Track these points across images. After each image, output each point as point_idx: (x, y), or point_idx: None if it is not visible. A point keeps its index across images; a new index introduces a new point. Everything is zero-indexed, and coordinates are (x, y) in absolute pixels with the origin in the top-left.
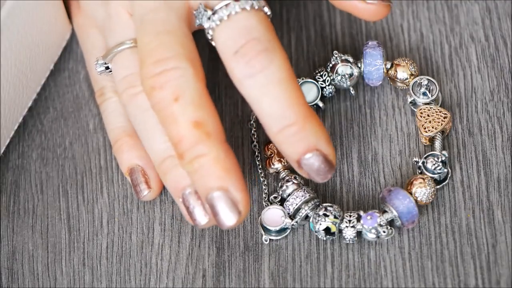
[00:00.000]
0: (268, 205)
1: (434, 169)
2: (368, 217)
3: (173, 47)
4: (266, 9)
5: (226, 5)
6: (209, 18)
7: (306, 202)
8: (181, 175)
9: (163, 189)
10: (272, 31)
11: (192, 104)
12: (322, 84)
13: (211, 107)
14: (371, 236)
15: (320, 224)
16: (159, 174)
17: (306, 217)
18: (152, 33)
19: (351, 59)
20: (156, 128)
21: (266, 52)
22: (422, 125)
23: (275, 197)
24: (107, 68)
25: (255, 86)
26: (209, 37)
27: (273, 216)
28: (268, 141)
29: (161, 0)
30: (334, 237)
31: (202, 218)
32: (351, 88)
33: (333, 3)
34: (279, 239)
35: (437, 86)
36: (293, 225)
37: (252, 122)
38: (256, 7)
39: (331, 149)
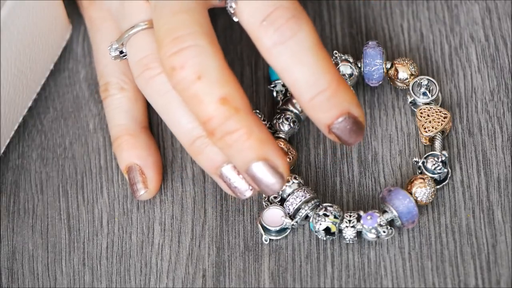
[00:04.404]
0: (268, 205)
1: (434, 169)
2: (368, 217)
3: (190, 25)
4: None
5: None
6: None
7: (306, 202)
8: (214, 153)
9: (162, 189)
10: None
11: (216, 81)
12: None
13: (234, 81)
14: (371, 236)
15: (320, 224)
16: (190, 155)
17: (306, 217)
18: (168, 14)
19: (351, 59)
20: (179, 109)
21: (295, 19)
22: (422, 125)
23: (275, 197)
24: (121, 52)
25: (285, 54)
26: (231, 11)
27: (273, 216)
28: None
29: None
30: (334, 237)
31: (247, 191)
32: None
33: None
34: (279, 239)
35: (437, 86)
36: (293, 225)
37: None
38: None
39: (361, 111)
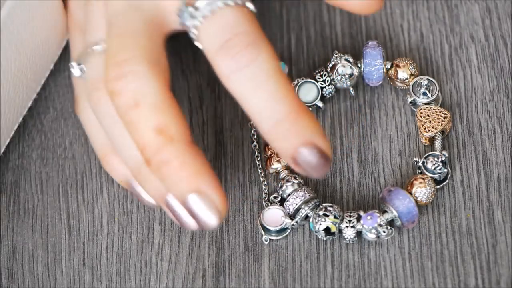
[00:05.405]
0: (268, 205)
1: (434, 169)
2: (368, 217)
3: (132, 49)
4: (248, 4)
5: (209, 2)
6: (192, 16)
7: (306, 202)
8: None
9: None
10: (257, 25)
11: (152, 109)
12: (322, 84)
13: (174, 109)
14: (371, 236)
15: (320, 224)
16: (138, 183)
17: (306, 217)
18: (115, 36)
19: (351, 59)
20: (125, 134)
21: (253, 45)
22: (422, 125)
23: (275, 197)
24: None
25: (243, 81)
26: (194, 37)
27: (273, 216)
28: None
29: (130, 1)
30: (334, 237)
31: (191, 222)
32: (351, 88)
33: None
34: (279, 239)
35: (437, 86)
36: (293, 225)
37: (252, 122)
38: (240, 3)
39: (327, 142)
